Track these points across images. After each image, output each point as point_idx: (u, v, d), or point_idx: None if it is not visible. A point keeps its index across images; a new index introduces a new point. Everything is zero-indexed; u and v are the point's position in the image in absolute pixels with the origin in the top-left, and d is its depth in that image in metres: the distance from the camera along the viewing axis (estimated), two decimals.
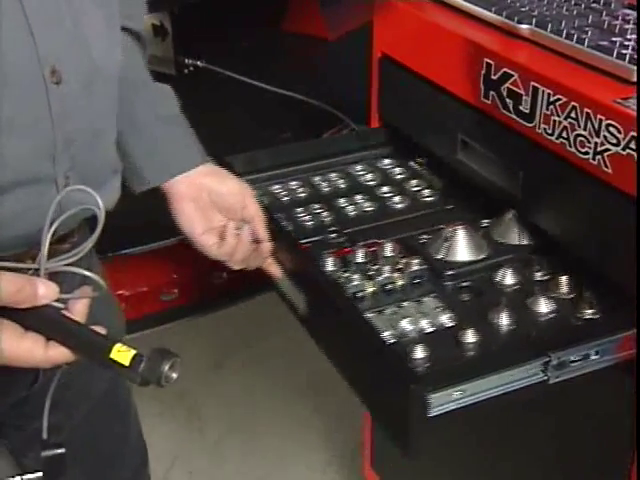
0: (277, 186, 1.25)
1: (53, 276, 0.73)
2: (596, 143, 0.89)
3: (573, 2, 1.11)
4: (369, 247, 1.06)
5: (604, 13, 1.06)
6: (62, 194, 0.74)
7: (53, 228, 0.71)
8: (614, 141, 0.87)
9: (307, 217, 1.17)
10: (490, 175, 1.08)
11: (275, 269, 1.06)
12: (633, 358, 0.90)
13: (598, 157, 0.89)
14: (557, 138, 0.95)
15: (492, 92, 1.04)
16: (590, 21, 1.04)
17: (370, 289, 0.99)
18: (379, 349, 0.86)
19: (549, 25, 1.02)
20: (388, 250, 1.05)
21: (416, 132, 1.25)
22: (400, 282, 1.00)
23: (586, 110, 0.90)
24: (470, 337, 0.89)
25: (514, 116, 1.01)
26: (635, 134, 0.84)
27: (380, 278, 1.00)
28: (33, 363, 0.71)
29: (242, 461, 2.03)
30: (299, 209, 1.19)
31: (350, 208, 1.19)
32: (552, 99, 0.94)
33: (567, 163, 0.94)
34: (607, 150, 0.88)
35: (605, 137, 0.88)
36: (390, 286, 1.00)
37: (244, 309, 2.49)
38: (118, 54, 0.87)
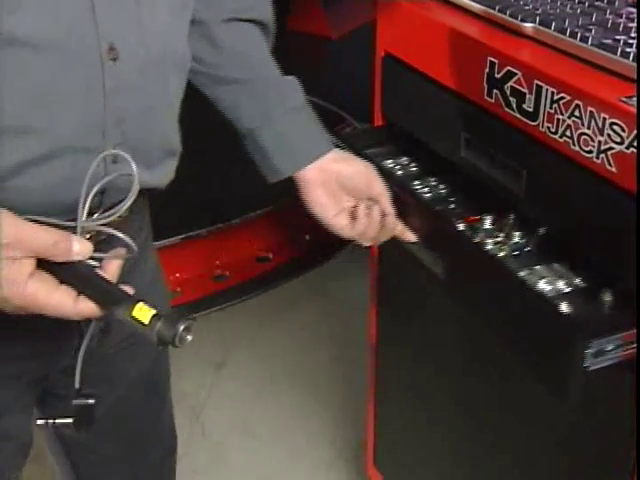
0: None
1: (93, 238, 0.78)
2: (600, 142, 0.89)
3: (577, 0, 1.11)
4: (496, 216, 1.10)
5: (608, 11, 1.06)
6: (101, 156, 0.78)
7: (94, 190, 0.77)
8: (618, 140, 0.87)
9: (425, 189, 1.21)
10: (493, 174, 1.08)
11: (409, 235, 1.10)
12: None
13: (602, 156, 0.89)
14: (561, 137, 0.95)
15: (496, 90, 1.04)
16: (594, 19, 1.03)
17: (502, 253, 1.04)
18: (537, 304, 0.91)
19: (553, 23, 1.02)
20: (510, 219, 1.08)
21: (419, 130, 1.25)
22: (528, 248, 1.05)
23: (590, 108, 0.89)
24: (608, 296, 0.93)
25: (518, 114, 1.01)
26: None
27: (511, 242, 1.05)
28: (63, 314, 0.75)
29: (245, 461, 2.03)
30: (415, 182, 1.23)
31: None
32: (556, 97, 0.94)
33: (571, 162, 0.94)
34: (611, 149, 0.88)
35: (609, 135, 0.88)
36: (518, 251, 1.04)
37: (245, 308, 2.51)
38: (179, 44, 0.91)
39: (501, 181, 1.07)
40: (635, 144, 0.85)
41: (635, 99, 0.87)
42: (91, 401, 0.89)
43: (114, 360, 1.04)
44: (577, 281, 0.98)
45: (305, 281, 2.59)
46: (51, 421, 0.90)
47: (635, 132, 0.84)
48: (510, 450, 1.21)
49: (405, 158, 1.29)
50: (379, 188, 1.06)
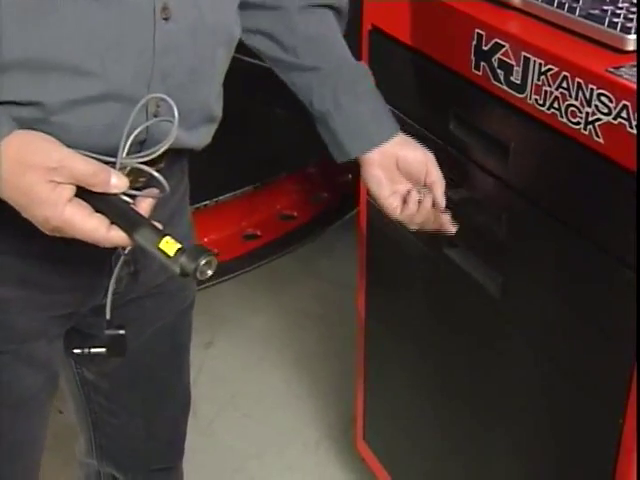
0: None
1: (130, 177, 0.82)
2: (587, 113, 0.89)
3: None
4: None
5: None
6: (147, 98, 0.82)
7: (137, 131, 0.82)
8: (605, 110, 0.86)
9: None
10: (481, 147, 1.08)
11: (451, 226, 1.12)
12: None
13: (589, 127, 0.89)
14: (548, 109, 0.94)
15: (483, 63, 1.03)
16: None
17: None
18: None
19: None
20: None
21: (408, 105, 1.24)
22: None
23: (577, 80, 0.89)
24: None
25: (505, 87, 1.01)
26: (627, 103, 0.83)
27: None
28: (95, 239, 0.80)
29: (236, 438, 2.03)
30: None
31: None
32: (543, 69, 0.94)
33: (558, 134, 0.94)
34: (598, 120, 0.88)
35: (596, 107, 0.87)
36: None
37: (233, 286, 2.50)
38: (229, 18, 0.95)
39: (489, 154, 1.06)
40: (623, 115, 0.84)
41: (624, 70, 0.87)
42: (122, 332, 0.96)
43: (140, 306, 1.07)
44: None
45: (295, 259, 2.59)
46: (87, 350, 0.97)
47: (623, 102, 0.84)
48: (497, 421, 1.21)
49: None
50: (434, 177, 1.09)
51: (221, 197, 2.13)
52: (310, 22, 1.08)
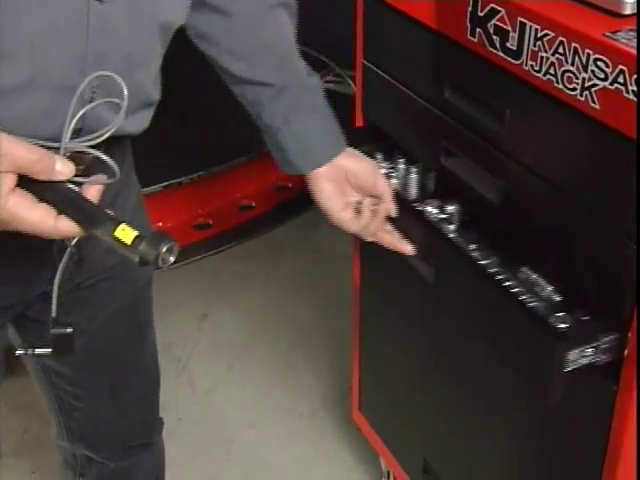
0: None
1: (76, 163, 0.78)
2: (584, 78, 0.88)
3: None
4: None
5: None
6: (88, 79, 0.78)
7: (79, 115, 0.77)
8: (602, 76, 0.85)
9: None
10: (477, 114, 1.07)
11: (406, 246, 1.15)
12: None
13: (585, 93, 0.88)
14: (544, 75, 0.93)
15: (479, 29, 1.02)
16: None
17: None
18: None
19: None
20: None
21: (402, 73, 1.23)
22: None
23: (574, 45, 0.88)
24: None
25: (501, 53, 0.99)
26: (624, 68, 0.82)
27: None
28: (42, 231, 0.76)
29: (232, 409, 2.04)
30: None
31: None
32: (540, 35, 0.92)
33: (554, 100, 0.93)
34: (595, 85, 0.87)
35: (593, 72, 0.86)
36: None
37: (228, 258, 2.50)
38: (167, 3, 0.91)
39: (485, 121, 1.05)
40: (620, 80, 0.84)
41: (621, 34, 0.86)
42: (69, 330, 0.92)
43: (93, 292, 1.06)
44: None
45: (290, 231, 2.59)
46: (30, 351, 0.94)
47: (620, 67, 0.83)
48: (490, 392, 1.22)
49: None
50: (383, 186, 1.13)
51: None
52: (264, 29, 1.06)
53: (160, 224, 2.16)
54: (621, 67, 0.83)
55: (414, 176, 1.22)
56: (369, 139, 1.30)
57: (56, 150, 0.77)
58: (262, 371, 2.14)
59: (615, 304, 0.93)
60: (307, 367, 2.13)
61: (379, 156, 1.28)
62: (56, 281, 0.89)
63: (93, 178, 0.79)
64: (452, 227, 1.15)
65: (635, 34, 0.85)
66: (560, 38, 0.90)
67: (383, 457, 1.62)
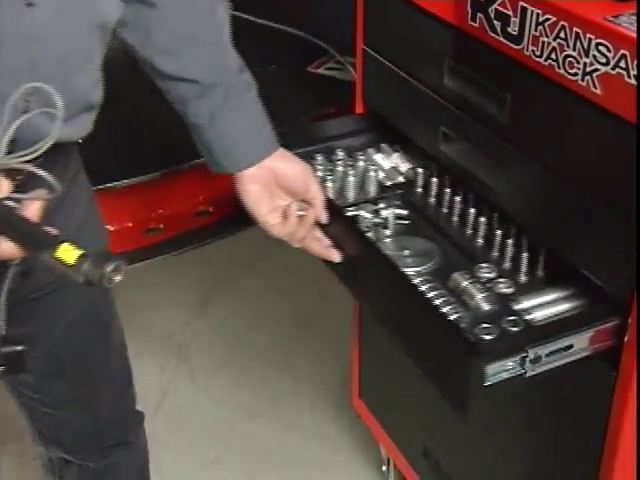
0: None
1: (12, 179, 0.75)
2: (585, 63, 0.87)
3: None
4: None
5: None
6: (21, 91, 0.75)
7: (12, 129, 0.74)
8: (603, 60, 0.85)
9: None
10: (478, 99, 1.06)
11: (333, 254, 1.09)
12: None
13: (587, 78, 0.88)
14: (546, 60, 0.93)
15: (480, 14, 1.01)
16: None
17: None
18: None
19: None
20: None
21: (402, 59, 1.22)
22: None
23: (575, 29, 0.88)
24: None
25: (502, 39, 0.99)
26: (625, 52, 0.82)
27: None
28: None
29: (231, 398, 2.04)
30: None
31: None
32: (541, 19, 0.92)
33: (555, 85, 0.92)
34: (596, 70, 0.86)
35: (594, 57, 0.86)
36: None
37: (229, 246, 2.49)
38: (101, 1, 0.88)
39: (485, 107, 1.05)
40: (622, 65, 0.83)
41: (623, 18, 0.85)
42: (19, 348, 0.87)
43: (44, 303, 1.02)
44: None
45: None
46: None
47: (621, 52, 0.83)
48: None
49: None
50: (314, 192, 1.07)
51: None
52: (192, 23, 1.00)
53: (160, 211, 2.14)
54: (623, 52, 0.82)
55: (352, 179, 1.18)
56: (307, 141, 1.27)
57: None
58: (262, 358, 2.14)
59: (615, 290, 0.93)
60: (307, 355, 2.13)
61: (319, 158, 1.24)
62: (2, 299, 0.86)
63: (32, 194, 0.76)
64: (388, 232, 1.11)
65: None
66: (562, 23, 0.89)
67: (383, 444, 1.62)
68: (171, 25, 0.99)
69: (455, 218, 1.15)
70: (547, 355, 0.90)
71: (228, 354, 2.17)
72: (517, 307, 0.97)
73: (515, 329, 0.92)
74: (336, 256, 1.08)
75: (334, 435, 1.92)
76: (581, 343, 0.92)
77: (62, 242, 0.71)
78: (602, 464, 1.01)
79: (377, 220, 1.12)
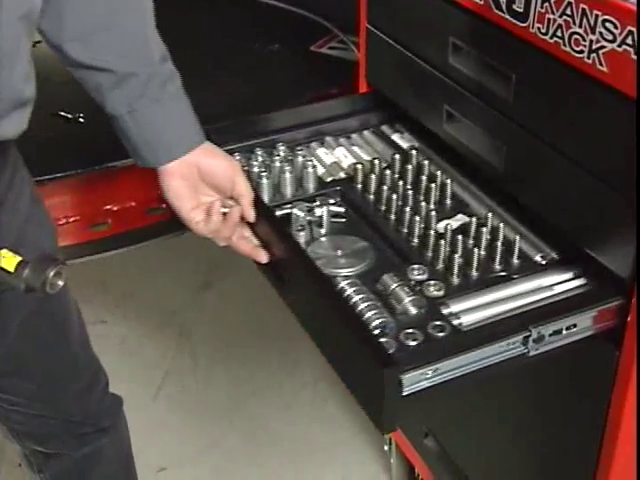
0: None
1: None
2: (591, 40, 0.86)
3: None
4: None
5: None
6: None
7: None
8: (610, 37, 0.84)
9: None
10: (482, 78, 1.06)
11: (260, 254, 1.05)
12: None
13: (593, 55, 0.87)
14: (551, 37, 0.92)
15: None
16: None
17: None
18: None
19: None
20: None
21: (406, 38, 1.21)
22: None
23: (582, 5, 0.87)
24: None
25: (507, 16, 0.98)
26: (632, 29, 0.81)
27: None
28: None
29: (233, 377, 2.05)
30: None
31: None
32: None
33: (561, 63, 0.91)
34: (603, 47, 0.85)
35: (601, 33, 0.85)
36: None
37: None
38: None
39: (490, 85, 1.04)
40: (629, 41, 0.82)
41: None
42: None
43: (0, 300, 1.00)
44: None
45: None
46: None
47: (629, 28, 0.82)
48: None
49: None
50: (242, 188, 1.02)
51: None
52: (107, 8, 0.94)
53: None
54: (630, 28, 0.81)
55: (288, 175, 1.13)
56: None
57: None
58: (264, 339, 2.14)
59: (618, 269, 0.92)
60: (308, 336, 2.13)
61: (259, 152, 1.19)
62: None
63: None
64: (322, 231, 1.07)
65: None
66: None
67: None
68: (84, 10, 0.93)
69: (392, 216, 1.10)
70: (550, 335, 0.89)
71: (230, 335, 2.17)
72: (445, 311, 0.93)
73: (441, 334, 0.89)
74: (263, 256, 1.04)
75: (336, 415, 1.92)
76: (584, 323, 0.91)
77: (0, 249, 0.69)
78: (604, 444, 1.02)
79: (311, 218, 1.07)
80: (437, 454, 1.43)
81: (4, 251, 0.69)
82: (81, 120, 1.53)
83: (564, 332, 0.90)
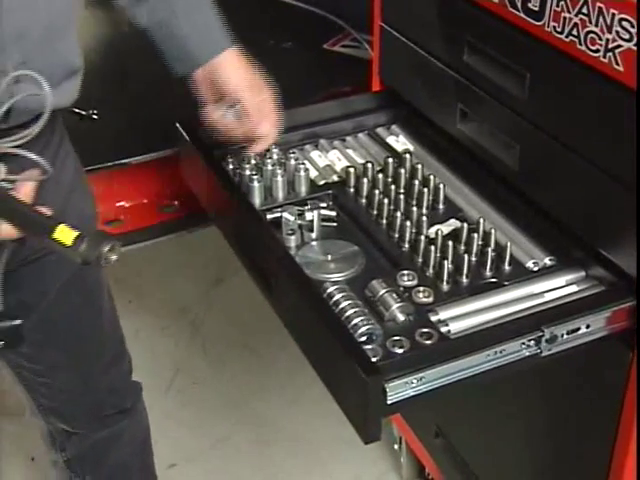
0: None
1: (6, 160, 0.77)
2: (608, 39, 0.86)
3: None
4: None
5: None
6: (9, 77, 0.76)
7: (4, 108, 0.75)
8: (627, 36, 0.83)
9: None
10: (497, 77, 1.05)
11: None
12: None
13: (609, 54, 0.86)
14: (567, 36, 0.92)
15: None
16: None
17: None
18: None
19: None
20: None
21: (420, 36, 1.21)
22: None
23: (598, 4, 0.86)
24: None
25: (522, 15, 0.97)
26: None
27: None
28: None
29: (244, 372, 2.06)
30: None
31: None
32: None
33: (576, 62, 0.91)
34: (619, 47, 0.85)
35: (617, 32, 0.84)
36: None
37: None
38: None
39: (504, 85, 1.04)
40: None
41: None
42: (17, 322, 0.90)
43: (40, 266, 1.04)
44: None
45: None
46: None
47: None
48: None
49: None
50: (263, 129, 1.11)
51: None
52: None
53: (175, 188, 2.12)
54: None
55: (280, 179, 1.13)
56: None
57: None
58: (273, 336, 2.14)
59: (631, 269, 0.92)
60: None
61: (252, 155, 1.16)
62: None
63: (25, 175, 0.78)
64: (313, 235, 1.06)
65: None
66: None
67: (396, 422, 1.63)
68: None
69: (384, 221, 1.08)
70: (563, 335, 0.89)
71: (241, 331, 2.18)
72: (434, 318, 0.92)
73: (428, 342, 0.87)
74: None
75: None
76: (597, 323, 0.91)
77: (59, 223, 0.73)
78: (617, 446, 1.01)
79: (302, 222, 1.06)
80: (447, 453, 1.43)
81: (62, 226, 0.73)
82: (94, 117, 1.54)
83: (568, 335, 0.89)
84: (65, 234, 0.72)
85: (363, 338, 0.88)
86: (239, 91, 1.09)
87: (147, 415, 1.38)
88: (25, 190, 0.77)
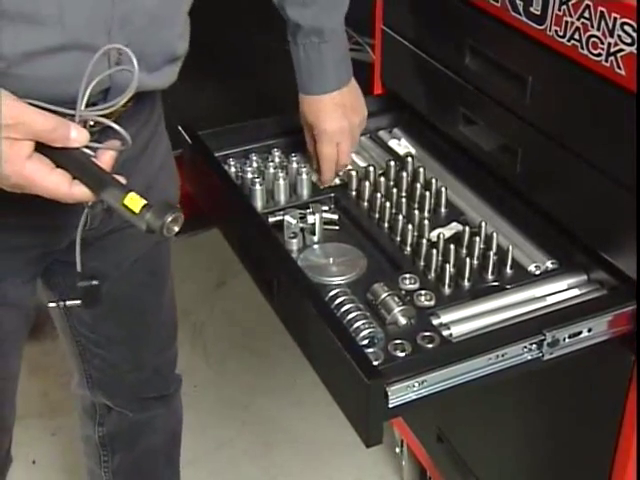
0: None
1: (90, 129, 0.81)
2: (609, 44, 0.86)
3: None
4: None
5: None
6: (104, 49, 0.80)
7: (94, 82, 0.79)
8: (628, 40, 0.84)
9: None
10: (499, 80, 1.05)
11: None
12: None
13: (611, 58, 0.87)
14: (569, 40, 0.92)
15: None
16: None
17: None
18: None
19: None
20: None
21: (422, 39, 1.21)
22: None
23: (600, 8, 0.86)
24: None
25: (524, 19, 0.98)
26: None
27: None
28: (57, 195, 0.79)
29: (246, 374, 2.06)
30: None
31: None
32: None
33: (578, 66, 0.91)
34: (621, 50, 0.85)
35: (619, 37, 0.85)
36: None
37: None
38: None
39: (506, 89, 1.04)
40: None
41: None
42: (95, 282, 0.96)
43: (120, 236, 1.08)
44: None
45: None
46: (62, 303, 0.99)
47: None
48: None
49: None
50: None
51: None
52: None
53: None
54: None
55: (282, 182, 1.12)
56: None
57: (72, 118, 0.79)
58: (277, 338, 2.15)
59: (633, 274, 0.92)
60: None
61: (254, 158, 1.18)
62: (78, 235, 0.92)
63: (107, 144, 0.82)
64: (315, 238, 1.06)
65: None
66: (586, 2, 0.88)
67: (397, 426, 1.63)
68: None
69: (386, 224, 1.09)
70: (565, 339, 0.89)
71: (243, 333, 2.18)
72: (436, 322, 0.92)
73: (430, 345, 0.88)
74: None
75: None
76: (599, 327, 0.91)
77: (129, 191, 0.76)
78: (618, 449, 1.01)
79: (304, 225, 1.06)
80: (449, 457, 1.43)
81: (132, 194, 0.76)
82: None
83: (569, 339, 0.89)
84: (134, 202, 0.76)
85: (365, 341, 0.89)
86: (321, 135, 1.14)
87: (182, 409, 1.41)
88: (104, 158, 0.80)
